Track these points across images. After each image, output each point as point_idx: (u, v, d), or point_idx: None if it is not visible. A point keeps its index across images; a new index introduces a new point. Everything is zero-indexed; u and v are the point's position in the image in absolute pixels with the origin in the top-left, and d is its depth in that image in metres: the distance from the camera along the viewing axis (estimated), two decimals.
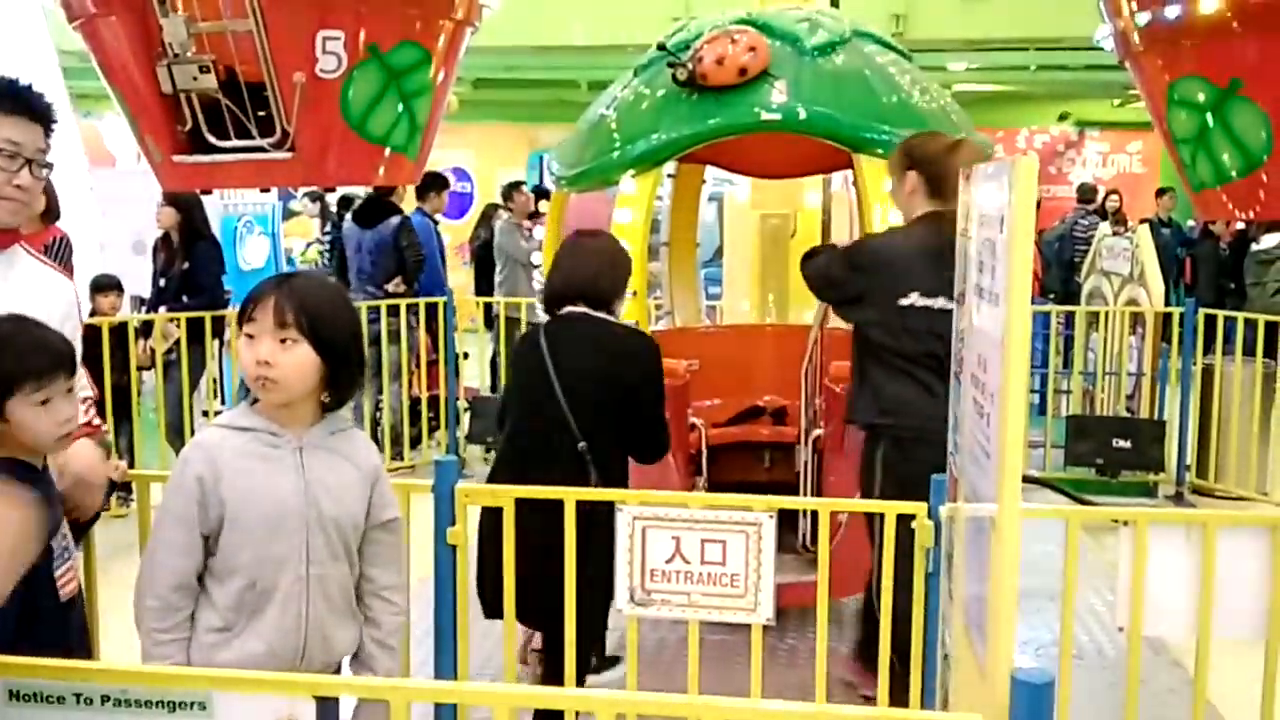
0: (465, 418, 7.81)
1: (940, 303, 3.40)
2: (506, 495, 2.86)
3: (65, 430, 2.07)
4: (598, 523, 2.83)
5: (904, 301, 3.41)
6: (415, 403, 7.83)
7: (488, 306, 9.11)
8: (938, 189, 3.45)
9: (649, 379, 3.29)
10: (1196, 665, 2.66)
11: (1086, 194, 12.04)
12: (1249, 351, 7.07)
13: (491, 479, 3.21)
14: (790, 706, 1.66)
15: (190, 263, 6.95)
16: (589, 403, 3.18)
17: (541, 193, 9.42)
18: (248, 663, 2.12)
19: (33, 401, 2.01)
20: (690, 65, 4.10)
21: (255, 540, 2.15)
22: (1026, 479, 4.01)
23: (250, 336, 2.15)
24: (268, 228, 10.57)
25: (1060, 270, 11.38)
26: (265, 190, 8.29)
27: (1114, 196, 12.02)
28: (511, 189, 9.86)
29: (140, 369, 6.55)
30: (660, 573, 2.78)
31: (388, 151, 4.93)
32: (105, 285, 6.44)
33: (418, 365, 7.81)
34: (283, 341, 2.14)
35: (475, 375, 9.31)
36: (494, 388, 8.58)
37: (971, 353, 2.00)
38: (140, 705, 1.74)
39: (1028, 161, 1.67)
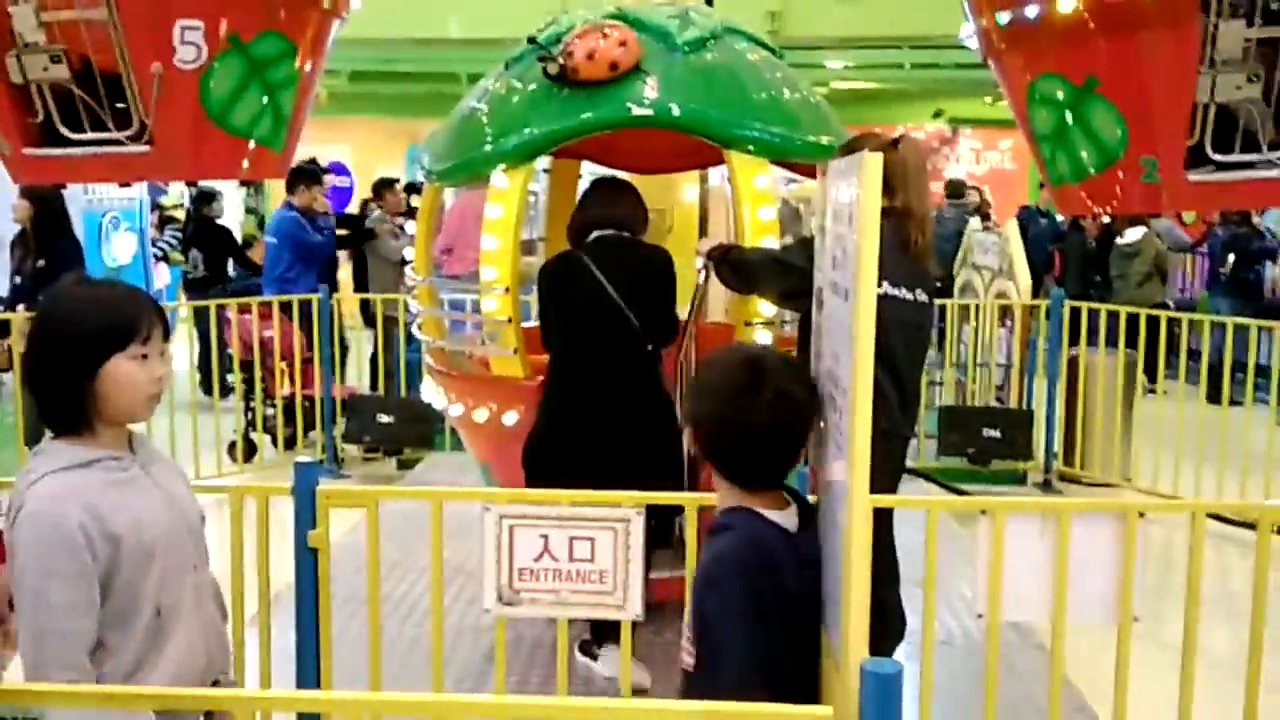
0: (341, 417, 7.66)
1: (904, 293, 3.46)
2: (369, 496, 2.80)
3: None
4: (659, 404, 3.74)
5: (877, 291, 3.45)
6: (290, 402, 7.66)
7: (365, 304, 8.96)
8: (886, 183, 3.50)
9: (671, 279, 4.02)
10: (1053, 648, 2.74)
11: (955, 190, 12.35)
12: (1113, 342, 7.34)
13: (557, 388, 3.90)
14: (616, 704, 1.65)
15: (47, 260, 6.68)
16: (639, 303, 3.86)
17: (415, 189, 9.29)
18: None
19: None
20: (561, 60, 4.07)
21: (154, 567, 2.04)
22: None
23: (144, 357, 2.05)
24: (135, 224, 10.21)
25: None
26: (124, 185, 7.98)
27: (974, 193, 12.42)
28: (383, 187, 9.72)
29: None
30: (529, 571, 2.75)
31: (252, 144, 4.78)
32: None
33: (292, 364, 7.63)
34: (162, 355, 2.09)
35: (353, 374, 9.16)
36: (374, 386, 8.44)
37: (827, 348, 2.02)
38: None
39: (874, 158, 1.69)
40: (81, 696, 1.68)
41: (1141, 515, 2.62)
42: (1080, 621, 2.66)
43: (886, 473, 3.48)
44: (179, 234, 10.90)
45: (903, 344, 3.58)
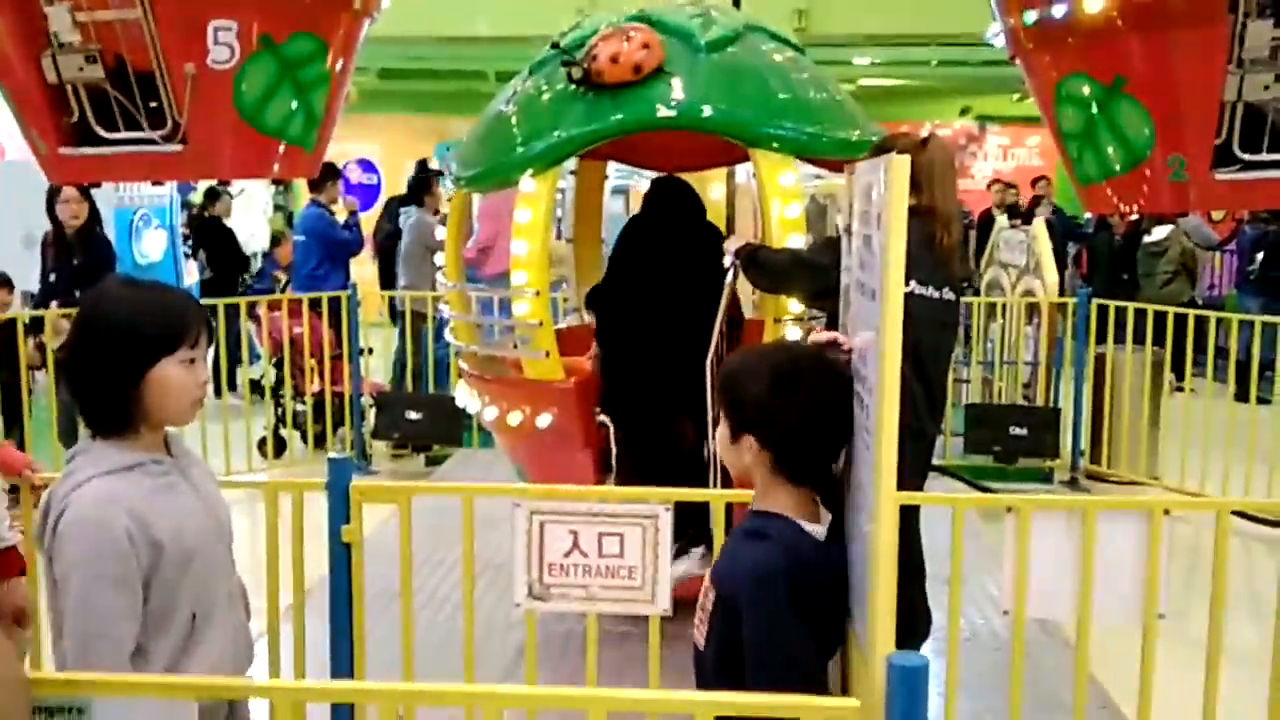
0: (370, 413, 7.73)
1: (931, 292, 3.49)
2: (402, 492, 2.84)
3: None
4: None
5: (904, 289, 3.49)
6: (319, 399, 7.73)
7: (393, 301, 9.02)
8: (913, 180, 3.53)
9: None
10: (1078, 646, 2.75)
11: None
12: (1140, 340, 7.31)
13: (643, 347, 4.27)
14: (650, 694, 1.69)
15: (86, 257, 6.78)
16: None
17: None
18: None
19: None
20: (585, 64, 4.10)
21: (191, 571, 2.07)
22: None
23: (191, 361, 2.07)
24: (165, 220, 10.31)
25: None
26: (157, 184, 8.08)
27: (1012, 190, 12.38)
28: (431, 177, 9.59)
29: (31, 368, 6.37)
30: (559, 566, 2.78)
31: (283, 144, 4.84)
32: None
33: (321, 361, 7.71)
34: (204, 360, 2.13)
35: (378, 372, 9.23)
36: (399, 382, 8.50)
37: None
38: None
39: (901, 159, 1.71)
40: (131, 685, 1.73)
41: (1167, 513, 2.63)
42: (1106, 620, 2.67)
43: (913, 470, 3.50)
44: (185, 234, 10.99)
45: (930, 343, 3.60)
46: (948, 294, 3.60)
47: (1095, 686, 3.80)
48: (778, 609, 1.87)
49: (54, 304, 6.62)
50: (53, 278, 6.97)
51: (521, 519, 2.78)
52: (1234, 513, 5.62)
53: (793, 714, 1.69)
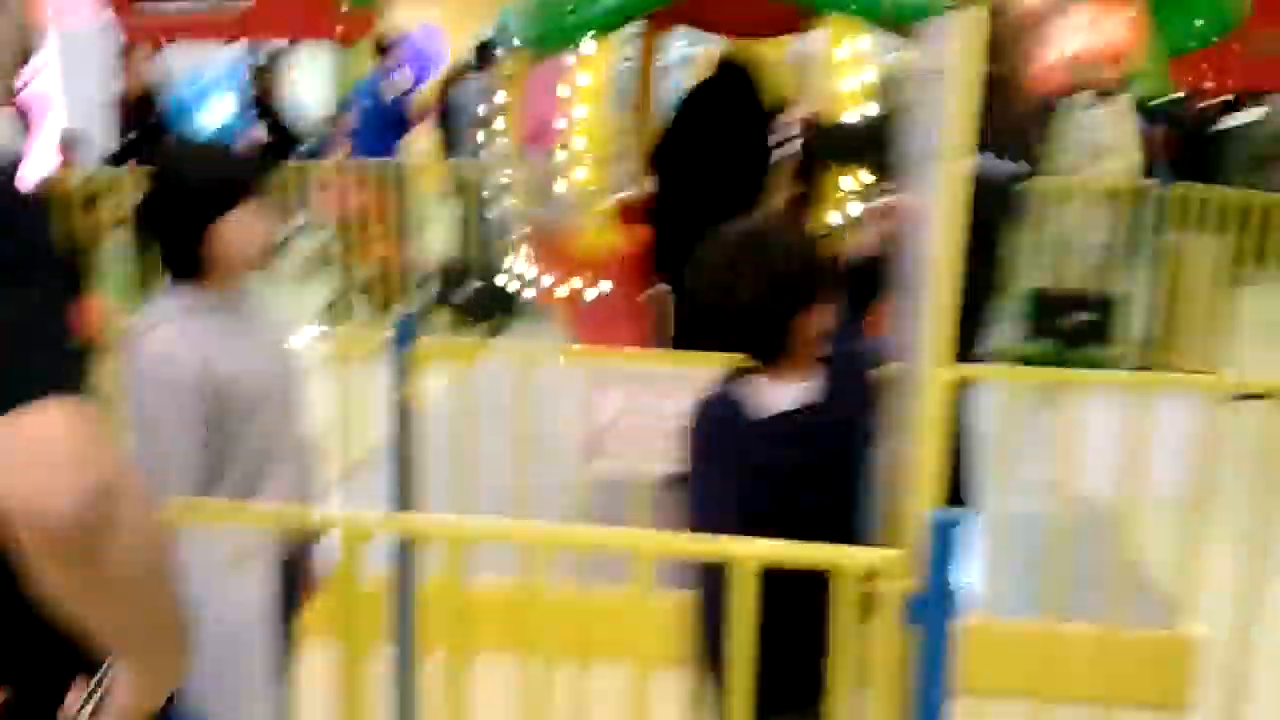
0: (430, 284, 7.81)
1: (1001, 165, 3.44)
2: (466, 351, 2.89)
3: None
4: None
5: (972, 161, 3.46)
6: (384, 266, 7.82)
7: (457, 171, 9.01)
8: (989, 49, 3.47)
9: None
10: (1124, 523, 2.77)
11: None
12: (1221, 230, 7.11)
13: None
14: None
15: (155, 117, 6.88)
16: None
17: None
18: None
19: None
20: None
21: (256, 415, 2.16)
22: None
23: (257, 210, 2.18)
24: (234, 85, 10.32)
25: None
26: (228, 42, 8.11)
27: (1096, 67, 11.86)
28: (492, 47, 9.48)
29: (114, 225, 6.51)
30: (615, 428, 2.85)
31: (349, 6, 4.81)
32: (72, 141, 6.35)
33: (384, 227, 7.77)
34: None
35: (440, 244, 9.27)
36: (465, 251, 8.56)
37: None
38: None
39: (972, 17, 1.66)
40: (200, 511, 1.81)
41: (1227, 396, 2.61)
42: (1157, 496, 2.67)
43: (970, 347, 3.48)
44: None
45: (996, 218, 3.54)
46: (1022, 166, 3.52)
47: (1140, 566, 3.83)
48: (695, 453, 2.06)
49: (133, 162, 6.73)
50: (132, 135, 7.08)
51: (578, 382, 2.83)
52: None
53: (837, 564, 1.73)
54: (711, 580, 1.86)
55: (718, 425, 2.07)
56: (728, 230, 2.10)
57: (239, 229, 2.14)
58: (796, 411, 2.04)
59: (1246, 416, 2.78)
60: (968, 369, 3.05)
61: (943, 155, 1.69)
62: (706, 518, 1.99)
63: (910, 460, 1.80)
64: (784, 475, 2.02)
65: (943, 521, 1.59)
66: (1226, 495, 2.85)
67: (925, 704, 1.68)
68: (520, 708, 1.98)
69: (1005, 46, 3.36)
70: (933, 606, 1.64)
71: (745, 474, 2.01)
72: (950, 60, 1.70)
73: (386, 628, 2.85)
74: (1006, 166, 3.46)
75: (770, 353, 2.07)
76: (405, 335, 2.82)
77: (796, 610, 1.84)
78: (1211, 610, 3.04)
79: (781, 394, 2.05)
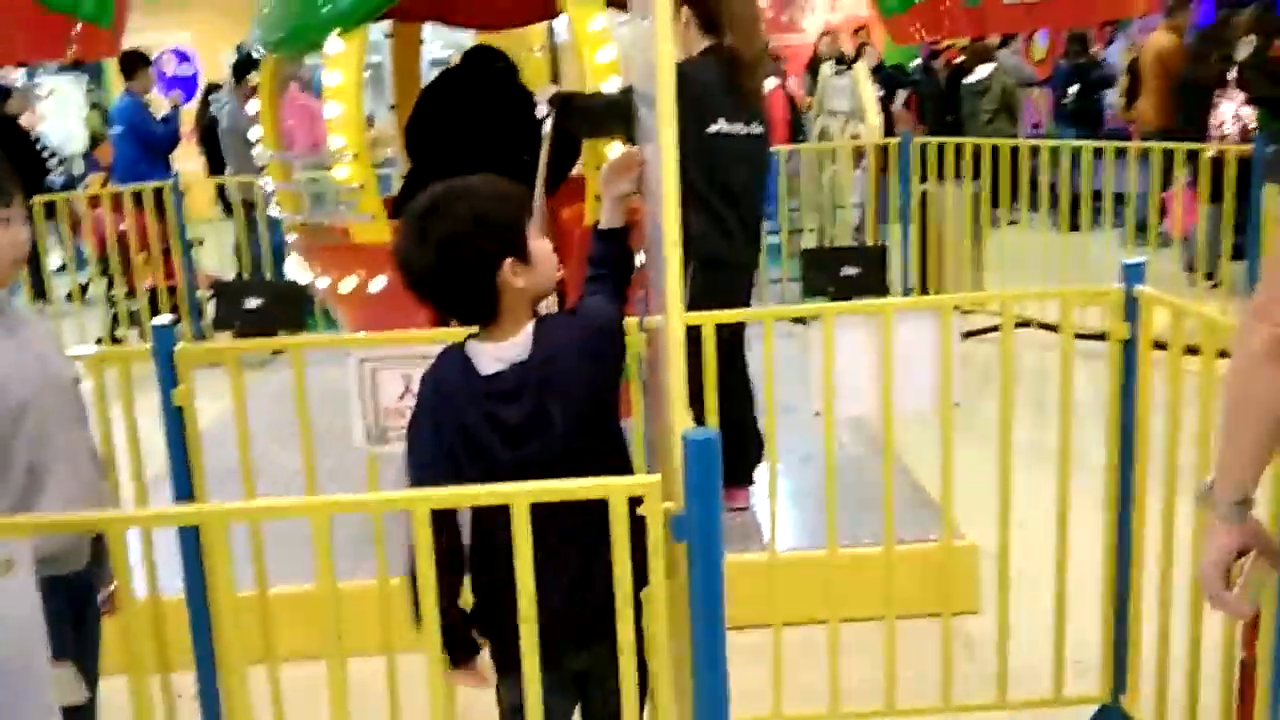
0: (209, 306, 7.58)
1: (739, 128, 3.61)
2: (229, 353, 2.86)
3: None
4: None
5: (711, 129, 3.60)
6: (153, 294, 7.54)
7: (221, 190, 8.77)
8: (711, 23, 3.63)
9: None
10: (886, 436, 2.97)
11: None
12: (966, 177, 7.61)
13: None
14: None
15: None
16: None
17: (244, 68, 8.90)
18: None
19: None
20: None
21: (24, 425, 2.09)
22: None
23: (6, 221, 2.11)
24: None
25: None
26: None
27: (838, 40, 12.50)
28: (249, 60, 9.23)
29: None
30: (395, 411, 2.87)
31: (79, 23, 4.63)
32: None
33: (149, 255, 7.50)
34: (20, 220, 2.16)
35: (214, 265, 9.01)
36: (239, 273, 8.34)
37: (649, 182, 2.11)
38: None
39: None
40: None
41: (956, 309, 2.84)
42: (908, 409, 2.88)
43: (733, 298, 3.66)
44: None
45: (743, 176, 3.73)
46: (755, 128, 3.72)
47: (905, 474, 4.12)
48: (412, 418, 2.14)
49: None
50: None
51: (354, 367, 2.84)
52: (1041, 325, 6.05)
53: (600, 494, 1.82)
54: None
55: (430, 390, 2.12)
56: (415, 200, 2.12)
57: None
58: (502, 372, 2.07)
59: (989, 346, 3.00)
60: (732, 313, 3.20)
61: (657, 117, 1.77)
62: (419, 481, 2.06)
63: (666, 394, 1.90)
64: (488, 436, 2.05)
65: (694, 440, 1.70)
66: (976, 406, 3.11)
67: (702, 617, 1.78)
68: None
69: (728, 20, 3.56)
70: (696, 522, 1.74)
71: (453, 437, 2.06)
72: (652, 27, 1.79)
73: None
74: (746, 127, 3.67)
75: (474, 315, 2.10)
76: (165, 340, 2.77)
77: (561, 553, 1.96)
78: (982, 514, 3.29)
79: (492, 354, 2.08)
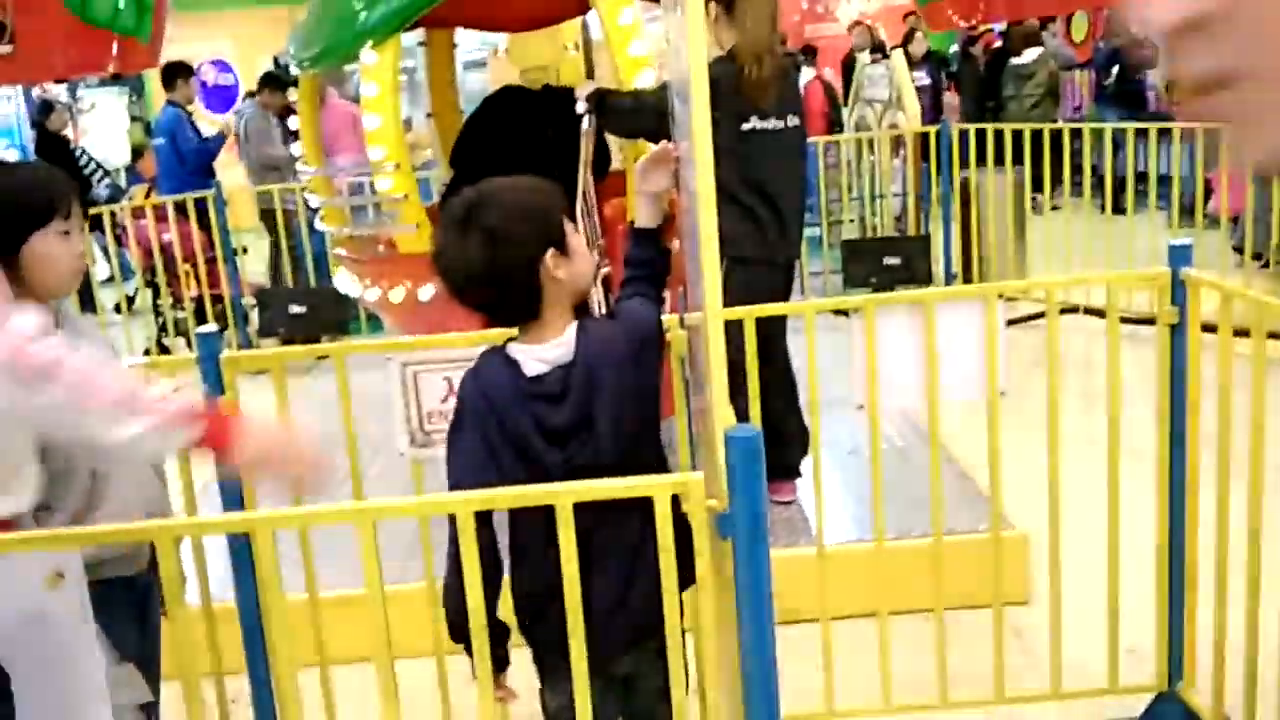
0: (254, 313, 7.66)
1: (773, 124, 3.62)
2: (274, 359, 2.88)
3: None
4: None
5: (745, 126, 3.61)
6: (199, 303, 7.63)
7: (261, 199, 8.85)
8: (738, 19, 3.64)
9: None
10: (931, 427, 2.94)
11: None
12: (1007, 163, 7.52)
13: None
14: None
15: None
16: None
17: (273, 79, 8.95)
18: None
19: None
20: None
21: None
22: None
23: (66, 233, 2.17)
24: (14, 140, 9.92)
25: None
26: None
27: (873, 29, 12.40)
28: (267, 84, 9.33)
29: None
30: (438, 414, 2.88)
31: (117, 36, 4.69)
32: None
33: (194, 264, 7.58)
34: (81, 231, 2.24)
35: (259, 272, 9.10)
36: (275, 280, 8.41)
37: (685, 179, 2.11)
38: None
39: None
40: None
41: (1001, 297, 2.80)
42: (953, 400, 2.85)
43: (770, 294, 3.63)
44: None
45: (778, 172, 3.72)
46: (791, 121, 3.70)
47: (953, 466, 4.07)
48: (453, 422, 2.11)
49: None
50: None
51: (395, 372, 2.86)
52: (1088, 311, 5.95)
53: (644, 493, 1.81)
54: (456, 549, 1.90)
55: (474, 392, 2.08)
56: (450, 204, 2.10)
57: (47, 251, 2.12)
58: (547, 374, 2.05)
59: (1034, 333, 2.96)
60: (770, 307, 3.18)
61: (690, 124, 1.76)
62: (461, 484, 2.04)
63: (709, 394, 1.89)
64: (534, 438, 2.04)
65: (737, 437, 1.69)
66: (1023, 395, 3.06)
67: (750, 613, 1.77)
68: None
69: (739, 12, 3.58)
70: (741, 519, 1.74)
71: (498, 439, 2.04)
72: (681, 33, 1.78)
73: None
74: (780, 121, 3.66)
75: (517, 311, 2.08)
76: (209, 348, 2.80)
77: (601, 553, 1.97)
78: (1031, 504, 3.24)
79: (536, 355, 2.07)
